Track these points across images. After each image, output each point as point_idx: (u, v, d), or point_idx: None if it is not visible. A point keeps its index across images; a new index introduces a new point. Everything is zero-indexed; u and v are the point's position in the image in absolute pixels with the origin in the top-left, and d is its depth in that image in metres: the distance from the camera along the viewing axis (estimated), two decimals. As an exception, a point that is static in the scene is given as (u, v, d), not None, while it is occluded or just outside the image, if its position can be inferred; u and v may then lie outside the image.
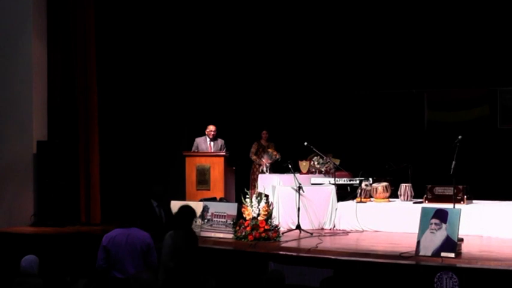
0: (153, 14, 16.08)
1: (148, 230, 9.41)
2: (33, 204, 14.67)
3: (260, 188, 14.14)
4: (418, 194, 14.06)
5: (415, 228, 11.15)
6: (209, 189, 14.24)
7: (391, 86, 17.07)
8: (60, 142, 14.68)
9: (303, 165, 15.24)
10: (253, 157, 15.89)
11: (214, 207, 12.85)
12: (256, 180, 15.37)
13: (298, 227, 13.16)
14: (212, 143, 14.82)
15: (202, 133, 14.92)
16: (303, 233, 12.94)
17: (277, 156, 15.11)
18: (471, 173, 14.04)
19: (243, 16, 16.87)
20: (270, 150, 15.31)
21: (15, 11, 14.75)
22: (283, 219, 13.45)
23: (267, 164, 15.09)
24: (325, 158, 15.01)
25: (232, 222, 12.46)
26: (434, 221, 10.73)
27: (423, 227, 10.82)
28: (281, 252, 11.47)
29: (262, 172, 15.19)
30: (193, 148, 14.87)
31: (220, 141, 14.88)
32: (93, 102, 14.89)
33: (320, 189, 14.21)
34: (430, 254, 10.47)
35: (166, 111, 16.41)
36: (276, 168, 15.31)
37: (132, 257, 9.04)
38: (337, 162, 14.97)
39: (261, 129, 16.02)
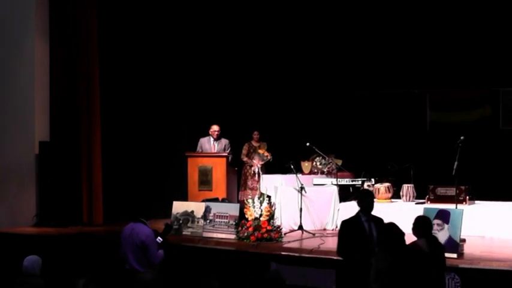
0: (155, 15, 16.05)
1: (357, 248, 8.85)
2: (36, 205, 14.69)
3: (262, 188, 14.14)
4: (420, 195, 14.06)
5: (417, 228, 11.15)
6: (211, 190, 14.25)
7: (393, 86, 17.06)
8: (62, 143, 14.69)
9: (305, 165, 15.24)
10: (245, 158, 15.53)
11: (217, 208, 12.86)
12: (247, 181, 15.35)
13: (300, 227, 13.16)
14: (216, 143, 14.83)
15: (203, 133, 14.93)
16: (305, 234, 12.95)
17: (269, 157, 14.96)
18: (473, 173, 14.01)
19: (244, 16, 16.84)
20: (260, 151, 15.14)
21: (17, 11, 14.76)
22: (286, 219, 13.43)
23: (259, 165, 14.95)
24: (327, 158, 15.01)
25: (234, 223, 12.48)
26: (436, 221, 10.71)
27: (425, 227, 10.81)
28: (283, 253, 11.49)
29: (254, 173, 15.08)
30: (198, 148, 14.89)
31: (224, 141, 14.89)
32: (95, 103, 14.88)
33: (322, 189, 14.21)
34: (432, 255, 10.47)
35: (167, 111, 16.39)
36: (270, 168, 15.28)
37: (133, 250, 9.38)
38: (339, 162, 14.97)
39: (263, 129, 15.93)
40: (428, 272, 8.05)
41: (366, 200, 9.24)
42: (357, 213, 9.17)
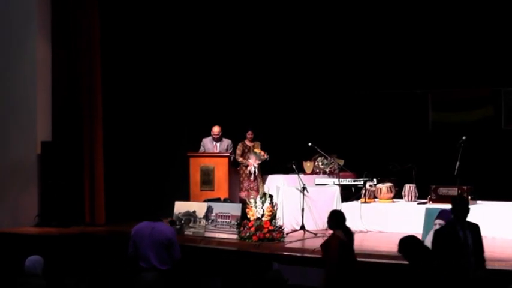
0: (156, 15, 16.06)
1: (453, 258, 8.42)
2: (38, 205, 14.68)
3: (266, 188, 14.13)
4: (422, 195, 14.06)
5: (419, 228, 11.16)
6: (213, 190, 14.27)
7: (396, 86, 17.05)
8: (64, 142, 14.69)
9: (307, 165, 15.25)
10: (240, 159, 15.16)
11: (219, 208, 12.85)
12: (243, 182, 15.06)
13: (302, 227, 13.16)
14: (218, 144, 14.81)
15: (205, 133, 14.93)
16: (307, 234, 12.95)
17: (265, 156, 14.82)
18: (475, 173, 14.01)
19: (243, 17, 16.82)
20: (256, 150, 14.95)
21: (19, 11, 14.77)
22: (288, 219, 13.44)
23: (255, 165, 14.80)
24: (329, 158, 15.02)
25: (236, 223, 12.47)
26: (438, 221, 10.73)
27: (427, 227, 10.83)
28: (285, 253, 11.50)
29: (251, 174, 14.89)
30: (201, 148, 14.87)
31: (226, 142, 14.86)
32: (97, 103, 14.88)
33: (324, 189, 14.22)
34: (434, 255, 10.45)
35: (169, 111, 16.38)
36: (272, 168, 15.22)
37: (155, 248, 9.44)
38: (341, 162, 14.99)
39: (265, 129, 15.85)
40: (353, 258, 9.29)
41: (458, 208, 8.81)
42: (451, 221, 8.80)
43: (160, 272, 9.47)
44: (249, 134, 15.38)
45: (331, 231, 13.57)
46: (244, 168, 15.14)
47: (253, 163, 14.77)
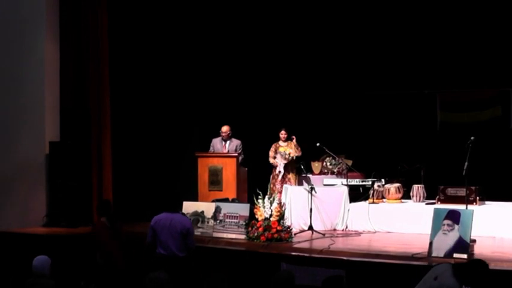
0: (166, 14, 16.09)
1: None
2: (46, 205, 14.70)
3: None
4: (430, 195, 14.04)
5: (427, 229, 11.14)
6: (221, 190, 14.22)
7: (404, 86, 17.02)
8: (72, 143, 14.69)
9: (316, 166, 15.23)
10: (271, 160, 14.89)
11: (227, 208, 12.85)
12: (275, 184, 14.75)
13: (310, 227, 13.16)
14: (227, 144, 14.75)
15: (214, 133, 14.90)
16: (315, 234, 12.95)
17: (291, 155, 14.63)
18: (484, 174, 13.99)
19: (257, 16, 16.86)
20: (282, 149, 14.70)
21: (28, 12, 14.78)
22: (296, 220, 13.46)
23: (282, 164, 14.60)
24: (337, 158, 15.00)
25: (244, 223, 12.46)
26: (446, 222, 10.71)
27: (435, 228, 10.80)
28: (293, 253, 11.47)
29: (280, 173, 14.65)
30: (210, 148, 14.82)
31: (235, 142, 14.74)
32: (106, 103, 14.91)
33: (332, 190, 14.21)
34: (442, 255, 10.45)
35: (178, 111, 16.40)
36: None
37: (174, 237, 10.11)
38: (350, 163, 14.96)
39: (274, 130, 15.67)
40: (114, 242, 10.88)
41: None
42: None
43: (178, 259, 10.03)
44: (282, 134, 14.96)
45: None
46: (274, 169, 14.84)
47: (279, 163, 14.62)
